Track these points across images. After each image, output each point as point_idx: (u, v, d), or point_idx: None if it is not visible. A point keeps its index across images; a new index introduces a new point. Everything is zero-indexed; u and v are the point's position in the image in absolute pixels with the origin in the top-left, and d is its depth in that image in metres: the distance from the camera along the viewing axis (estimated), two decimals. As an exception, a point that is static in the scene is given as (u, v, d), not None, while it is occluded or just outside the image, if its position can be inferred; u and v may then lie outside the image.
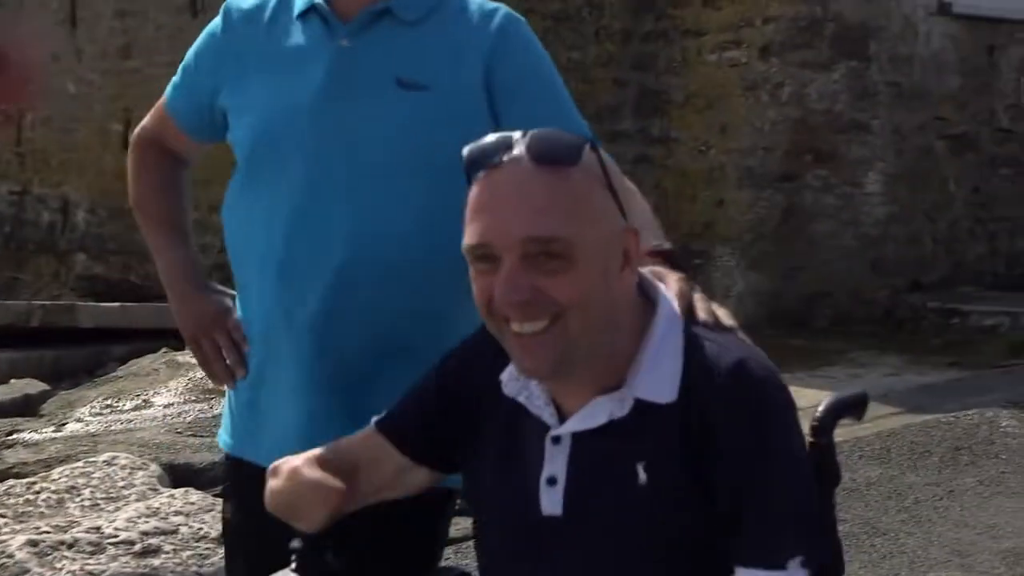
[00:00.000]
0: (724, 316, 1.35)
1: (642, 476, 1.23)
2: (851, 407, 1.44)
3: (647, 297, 1.31)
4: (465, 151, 1.26)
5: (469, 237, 1.23)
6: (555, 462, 1.28)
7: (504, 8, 1.71)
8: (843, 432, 5.27)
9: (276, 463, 1.42)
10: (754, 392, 1.23)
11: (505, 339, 1.25)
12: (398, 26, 1.68)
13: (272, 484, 1.39)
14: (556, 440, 1.28)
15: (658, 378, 1.25)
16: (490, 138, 1.24)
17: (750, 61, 7.23)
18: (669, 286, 1.34)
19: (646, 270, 1.35)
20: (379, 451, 1.41)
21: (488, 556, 1.37)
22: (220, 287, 1.85)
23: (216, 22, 1.80)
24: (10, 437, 4.94)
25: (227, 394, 1.81)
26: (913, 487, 4.32)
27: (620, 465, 1.24)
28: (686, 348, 1.27)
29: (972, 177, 7.72)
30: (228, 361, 1.75)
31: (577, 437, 1.27)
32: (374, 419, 1.43)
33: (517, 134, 1.23)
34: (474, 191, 1.24)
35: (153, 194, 1.87)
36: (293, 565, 1.39)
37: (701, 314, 1.33)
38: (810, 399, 5.51)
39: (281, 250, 1.66)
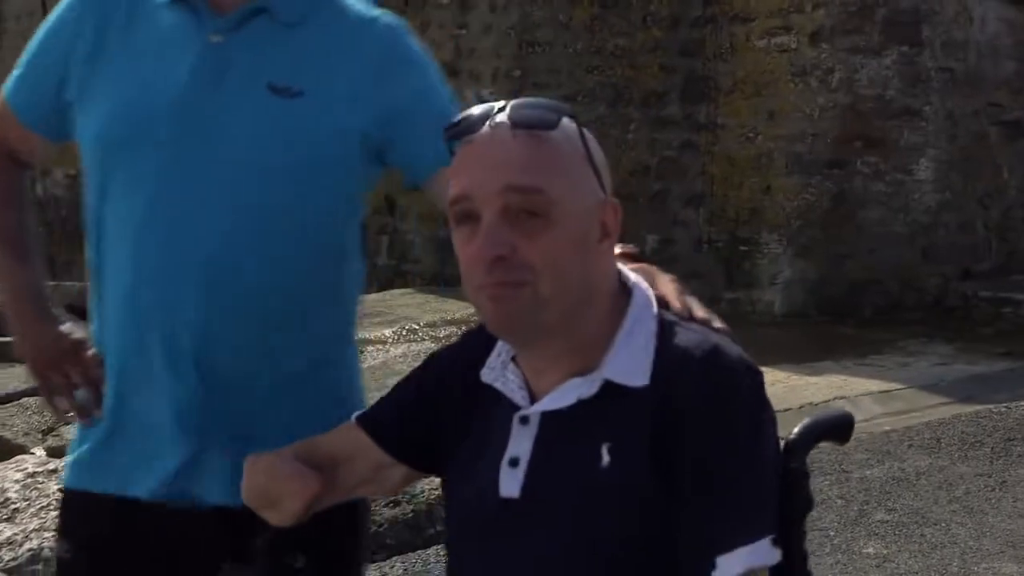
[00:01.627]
0: (715, 319, 1.33)
1: (605, 458, 1.22)
2: (831, 430, 1.35)
3: (624, 286, 1.30)
4: (449, 124, 1.27)
5: (452, 192, 1.24)
6: (520, 443, 1.27)
7: (385, 16, 1.62)
8: (892, 421, 5.21)
9: (254, 456, 1.38)
10: (725, 380, 1.21)
11: (480, 302, 1.24)
12: (274, 27, 1.57)
13: (248, 476, 1.38)
14: (524, 420, 1.27)
15: (629, 361, 1.24)
16: (474, 109, 1.26)
17: (799, 47, 7.16)
18: (660, 284, 1.34)
19: (631, 268, 1.34)
20: (358, 446, 1.39)
21: (449, 544, 1.36)
22: (69, 315, 1.69)
23: (67, 3, 1.63)
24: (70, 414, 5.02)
25: (77, 428, 1.66)
26: (964, 477, 4.27)
27: (584, 446, 1.23)
28: (660, 334, 1.26)
29: (1026, 164, 7.60)
30: (81, 398, 1.61)
31: (546, 418, 1.26)
32: (355, 414, 1.42)
33: (498, 104, 1.25)
34: (457, 156, 1.26)
35: None
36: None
37: (699, 312, 1.32)
38: (858, 388, 5.46)
39: (132, 256, 1.54)
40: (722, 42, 7.45)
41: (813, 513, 4.11)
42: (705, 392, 1.20)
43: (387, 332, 6.65)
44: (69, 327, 1.66)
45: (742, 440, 1.20)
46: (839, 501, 4.04)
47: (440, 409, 1.36)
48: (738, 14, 7.39)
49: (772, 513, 1.21)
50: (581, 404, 1.24)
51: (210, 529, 1.56)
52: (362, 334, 6.12)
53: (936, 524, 3.79)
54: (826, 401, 5.23)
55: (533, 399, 1.28)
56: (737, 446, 1.19)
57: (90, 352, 1.62)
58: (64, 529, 1.68)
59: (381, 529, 3.64)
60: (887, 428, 4.90)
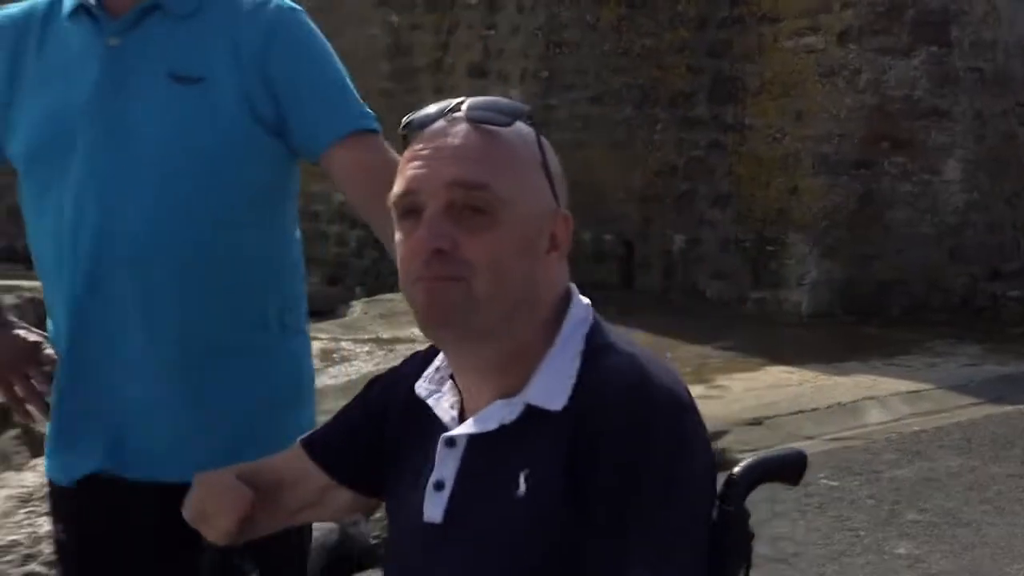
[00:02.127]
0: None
1: (522, 486, 1.17)
2: (778, 470, 1.25)
3: (567, 303, 1.25)
4: (405, 118, 1.24)
5: (396, 187, 1.21)
6: (446, 466, 1.23)
7: (278, 0, 1.68)
8: (921, 421, 5.19)
9: (199, 472, 1.40)
10: (643, 412, 1.14)
11: (414, 295, 1.20)
12: (169, 20, 1.64)
13: (191, 490, 1.38)
14: (451, 443, 1.23)
15: (551, 384, 1.19)
16: (432, 106, 1.23)
17: (827, 47, 7.16)
18: None
19: None
20: (303, 470, 1.37)
21: (384, 568, 1.33)
22: (20, 322, 1.79)
23: None
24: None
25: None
26: (995, 478, 4.27)
27: (504, 473, 1.18)
28: (586, 354, 1.20)
29: (1055, 164, 7.57)
30: (37, 406, 1.71)
31: (473, 441, 1.22)
32: (300, 438, 1.40)
33: (457, 100, 1.22)
34: (407, 149, 1.22)
35: None
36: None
37: None
38: (886, 388, 5.45)
39: (68, 258, 1.63)
40: (750, 43, 7.46)
41: (843, 512, 4.11)
42: (620, 422, 1.14)
43: (416, 331, 6.70)
44: (23, 332, 1.74)
45: (654, 477, 1.12)
46: (869, 501, 4.06)
47: (383, 430, 1.33)
48: (766, 14, 7.39)
49: (687, 557, 1.14)
50: (503, 428, 1.20)
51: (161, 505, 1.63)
52: (393, 332, 6.18)
53: (968, 524, 3.80)
54: (854, 401, 5.24)
55: (464, 419, 1.24)
56: (649, 483, 1.12)
57: (47, 351, 1.71)
58: (55, 513, 1.79)
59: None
60: (916, 428, 4.91)
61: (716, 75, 7.65)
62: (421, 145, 1.20)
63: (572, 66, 8.45)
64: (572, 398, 1.18)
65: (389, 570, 1.31)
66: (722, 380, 5.71)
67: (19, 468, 4.49)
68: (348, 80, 1.71)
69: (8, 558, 3.40)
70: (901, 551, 3.61)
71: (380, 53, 9.65)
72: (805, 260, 7.30)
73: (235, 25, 1.66)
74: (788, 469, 1.25)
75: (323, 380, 4.58)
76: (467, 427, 1.22)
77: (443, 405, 1.27)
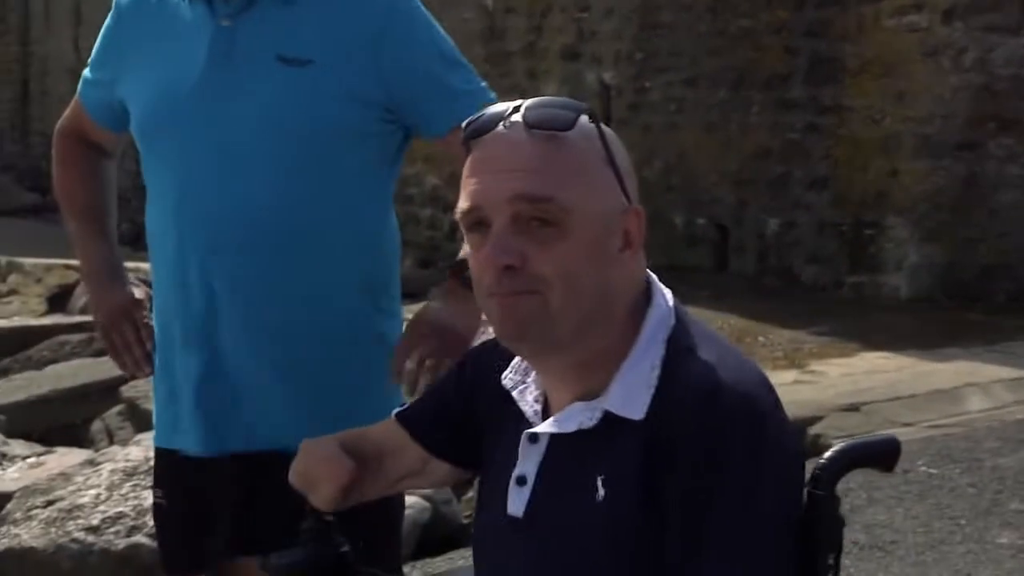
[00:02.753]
0: None
1: (601, 491, 1.17)
2: (870, 456, 1.23)
3: (648, 299, 1.23)
4: (464, 123, 1.23)
5: (461, 203, 1.20)
6: (528, 461, 1.24)
7: None
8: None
9: (306, 440, 1.43)
10: (720, 423, 1.13)
11: (490, 310, 1.20)
12: (280, 3, 1.69)
13: (296, 458, 1.40)
14: (534, 439, 1.24)
15: (631, 391, 1.18)
16: (490, 109, 1.21)
17: (931, 26, 6.97)
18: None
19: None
20: (401, 441, 1.40)
21: (474, 553, 1.35)
22: (136, 279, 1.88)
23: (110, 14, 1.83)
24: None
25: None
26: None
27: (583, 476, 1.19)
28: (666, 360, 1.19)
29: None
30: (135, 354, 1.80)
31: (555, 439, 1.22)
32: (394, 411, 1.43)
33: (513, 104, 1.20)
34: (468, 160, 1.21)
35: (73, 186, 1.91)
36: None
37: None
38: (988, 375, 5.32)
39: (173, 232, 1.70)
40: (849, 22, 7.31)
41: (943, 500, 4.03)
42: (695, 431, 1.13)
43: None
44: (135, 291, 1.85)
45: (730, 487, 1.12)
46: (971, 490, 3.97)
47: (474, 408, 1.35)
48: (867, -7, 7.24)
49: (768, 565, 1.13)
50: (582, 432, 1.20)
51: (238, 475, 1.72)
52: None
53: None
54: (955, 388, 5.13)
55: (547, 414, 1.24)
56: (725, 493, 1.12)
57: (144, 312, 1.81)
58: (156, 478, 1.89)
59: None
60: (1020, 416, 4.78)
61: (813, 56, 7.52)
62: (481, 155, 1.19)
63: (666, 48, 8.38)
64: (651, 407, 1.17)
65: (475, 559, 1.33)
66: (817, 365, 5.63)
67: (124, 443, 4.66)
68: (459, 55, 1.75)
69: (114, 529, 3.54)
70: (1003, 540, 3.54)
71: (474, 37, 9.69)
72: (905, 244, 7.14)
73: (348, 10, 1.69)
74: (881, 455, 1.24)
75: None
76: (548, 425, 1.23)
77: (527, 398, 1.27)
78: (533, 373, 1.28)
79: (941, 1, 6.94)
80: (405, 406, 1.45)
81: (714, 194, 8.12)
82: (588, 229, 1.16)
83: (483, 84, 1.75)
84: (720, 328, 6.49)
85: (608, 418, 1.19)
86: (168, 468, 1.84)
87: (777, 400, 1.20)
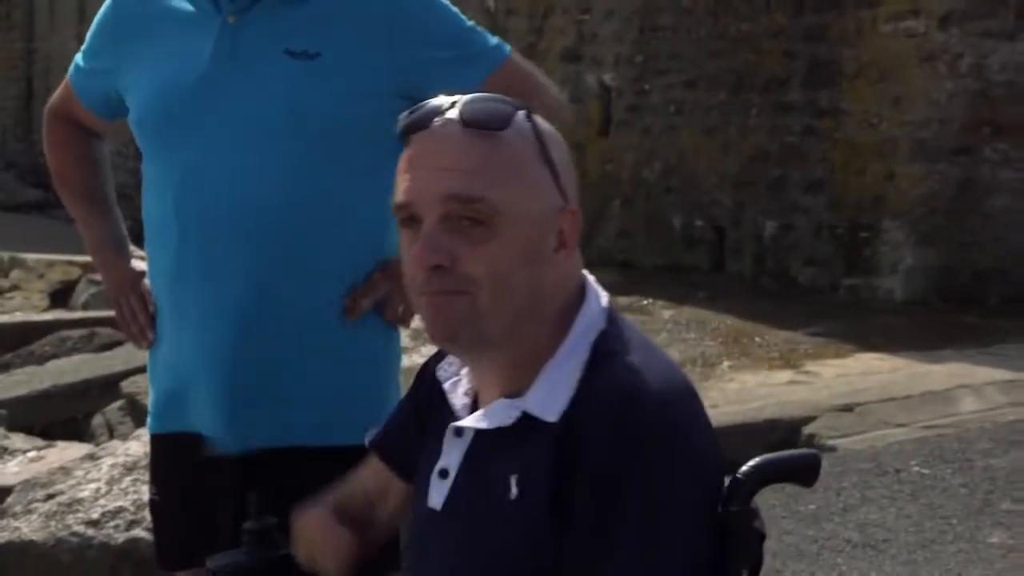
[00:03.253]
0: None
1: (514, 490, 1.16)
2: (788, 471, 1.20)
3: (581, 299, 1.22)
4: (400, 117, 1.21)
5: (395, 196, 1.20)
6: (451, 454, 1.23)
7: None
8: (1018, 411, 5.07)
9: (298, 512, 1.39)
10: (634, 419, 1.12)
11: (420, 308, 1.20)
12: (284, 1, 1.68)
13: (295, 536, 1.38)
14: (459, 432, 1.23)
15: (550, 394, 1.17)
16: (428, 103, 1.20)
17: (928, 31, 7.02)
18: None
19: None
20: (384, 482, 1.38)
21: (406, 542, 1.37)
22: (139, 252, 1.88)
23: (108, 2, 1.81)
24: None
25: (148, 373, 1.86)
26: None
27: (499, 474, 1.18)
28: (589, 364, 1.17)
29: None
30: (140, 321, 1.82)
31: (479, 435, 1.22)
32: (368, 441, 1.40)
33: (450, 99, 1.18)
34: (404, 154, 1.20)
35: (71, 168, 1.91)
36: (244, 547, 1.41)
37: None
38: (981, 377, 5.34)
39: (174, 226, 1.70)
40: (847, 26, 7.35)
41: (935, 500, 4.06)
42: (608, 438, 1.12)
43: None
44: (136, 262, 1.88)
45: (636, 492, 1.11)
46: (962, 490, 4.01)
47: (425, 411, 1.33)
48: (865, -2, 7.28)
49: (674, 570, 1.13)
50: (501, 430, 1.19)
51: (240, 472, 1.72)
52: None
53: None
54: (948, 389, 5.16)
55: (474, 408, 1.24)
56: (632, 498, 1.11)
57: (145, 283, 1.83)
58: (153, 472, 1.88)
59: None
60: (1012, 418, 4.82)
61: (811, 60, 7.56)
62: (416, 150, 1.18)
63: (666, 51, 8.42)
64: (567, 409, 1.16)
65: (406, 546, 1.36)
66: (812, 366, 5.67)
67: (124, 438, 4.69)
68: (468, 26, 1.75)
69: (114, 523, 3.56)
70: (994, 540, 3.57)
71: (474, 38, 9.72)
72: (900, 247, 7.18)
73: (351, 3, 1.70)
74: (800, 470, 1.21)
75: (414, 359, 4.68)
76: (472, 420, 1.22)
77: (458, 392, 1.27)
78: (466, 368, 1.28)
79: (937, 7, 6.98)
80: (378, 431, 1.41)
81: (713, 196, 8.16)
82: (520, 229, 1.15)
83: (495, 42, 1.75)
84: (717, 328, 6.55)
85: (526, 418, 1.18)
86: (165, 455, 1.83)
87: (699, 410, 1.19)
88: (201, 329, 1.72)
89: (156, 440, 1.85)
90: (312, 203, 1.68)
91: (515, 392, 1.20)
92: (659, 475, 1.12)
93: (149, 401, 1.86)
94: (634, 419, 1.12)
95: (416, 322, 1.54)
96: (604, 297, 1.23)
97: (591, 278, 1.25)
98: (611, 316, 1.22)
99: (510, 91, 1.60)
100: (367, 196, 1.72)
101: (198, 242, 1.69)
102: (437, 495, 1.24)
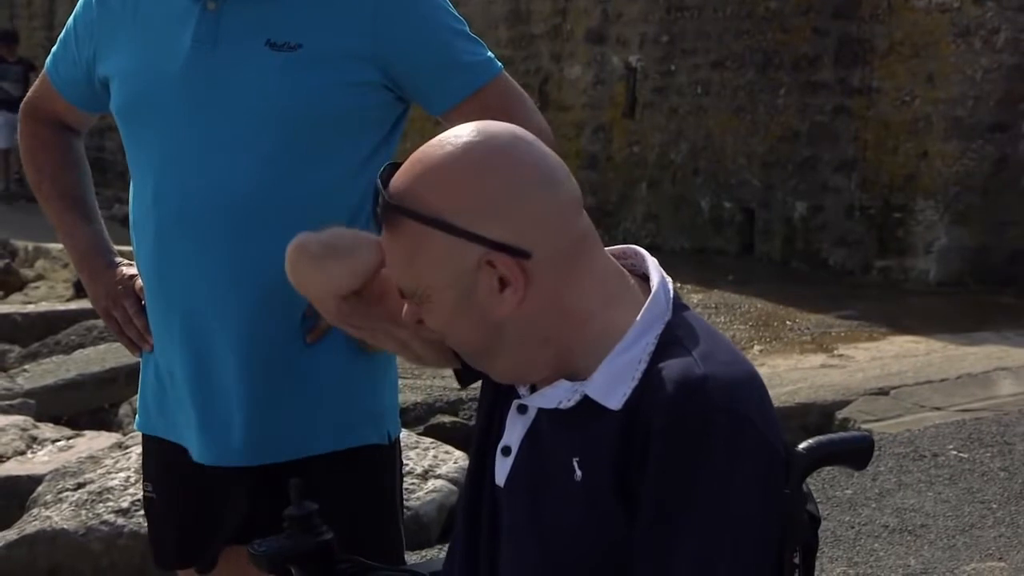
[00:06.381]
0: None
1: (577, 472, 1.19)
2: (840, 454, 1.19)
3: (642, 276, 1.25)
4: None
5: None
6: (513, 431, 1.26)
7: None
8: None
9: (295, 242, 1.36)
10: (695, 421, 1.13)
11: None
12: None
13: (298, 248, 1.36)
14: (522, 409, 1.26)
15: (614, 381, 1.18)
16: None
17: (963, 5, 6.89)
18: None
19: None
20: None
21: (457, 522, 1.36)
22: (125, 260, 1.84)
23: None
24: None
25: (140, 373, 1.82)
26: None
27: (560, 455, 1.21)
28: (654, 355, 1.19)
29: None
30: (138, 326, 1.76)
31: (542, 413, 1.24)
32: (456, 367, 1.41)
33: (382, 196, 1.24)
34: None
35: (55, 172, 1.85)
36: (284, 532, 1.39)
37: None
38: (1019, 359, 5.26)
39: (152, 219, 1.66)
40: (879, 2, 7.23)
41: (974, 484, 3.99)
42: (673, 429, 1.14)
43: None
44: (124, 268, 1.81)
45: (702, 489, 1.13)
46: (1002, 474, 3.94)
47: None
48: (897, -27, 7.15)
49: (741, 557, 1.14)
50: (562, 411, 1.21)
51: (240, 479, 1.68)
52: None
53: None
54: (985, 372, 5.08)
55: (535, 385, 1.26)
56: (696, 494, 1.13)
57: (139, 285, 1.76)
58: (145, 469, 1.83)
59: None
60: (1052, 403, 4.74)
61: (842, 37, 7.44)
62: None
63: (693, 30, 8.32)
64: (630, 398, 1.18)
65: (458, 525, 1.33)
66: (845, 349, 5.59)
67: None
68: (460, 29, 1.67)
69: (142, 512, 3.56)
70: (1035, 525, 3.51)
71: (499, 20, 9.66)
72: (934, 227, 7.08)
73: None
74: (853, 453, 1.20)
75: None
76: (535, 398, 1.24)
77: None
78: None
79: (972, -20, 6.86)
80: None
81: (741, 177, 8.07)
82: (441, 295, 1.21)
83: (488, 55, 1.68)
84: (747, 312, 6.47)
85: (587, 402, 1.20)
86: (155, 455, 1.79)
87: (764, 397, 1.19)
88: (181, 329, 1.68)
89: (145, 439, 1.82)
90: (293, 196, 1.62)
91: (576, 375, 1.22)
92: (725, 468, 1.14)
93: (138, 395, 1.82)
94: (700, 411, 1.14)
95: None
96: (672, 288, 1.25)
97: (658, 270, 1.25)
98: (677, 308, 1.24)
99: (496, 111, 1.54)
100: (350, 189, 1.66)
101: (175, 233, 1.64)
102: (501, 472, 1.26)
